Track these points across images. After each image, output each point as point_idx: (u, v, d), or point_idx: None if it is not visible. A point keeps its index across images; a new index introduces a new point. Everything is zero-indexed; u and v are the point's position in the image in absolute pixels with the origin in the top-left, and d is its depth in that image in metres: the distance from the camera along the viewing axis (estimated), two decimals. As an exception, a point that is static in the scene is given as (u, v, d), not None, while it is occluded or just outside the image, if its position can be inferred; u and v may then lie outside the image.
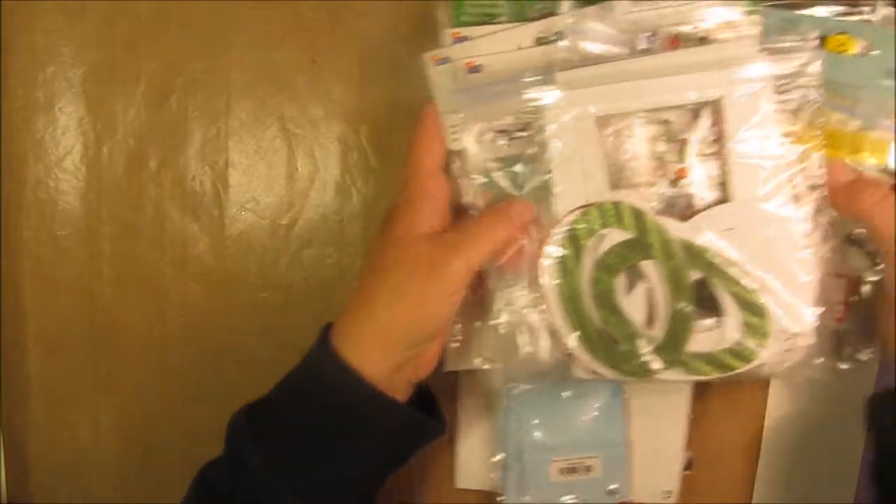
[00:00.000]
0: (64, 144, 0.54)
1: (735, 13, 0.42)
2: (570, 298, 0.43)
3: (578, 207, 0.42)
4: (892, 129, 0.43)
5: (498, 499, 0.52)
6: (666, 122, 0.43)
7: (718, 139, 0.42)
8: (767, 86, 0.41)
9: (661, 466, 0.53)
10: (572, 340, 0.43)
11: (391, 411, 0.43)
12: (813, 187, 0.42)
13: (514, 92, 0.42)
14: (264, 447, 0.42)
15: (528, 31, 0.43)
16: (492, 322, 0.44)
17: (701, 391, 0.52)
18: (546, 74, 0.42)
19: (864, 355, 0.46)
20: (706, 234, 0.41)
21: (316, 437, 0.42)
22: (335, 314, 0.44)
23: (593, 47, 0.42)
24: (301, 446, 0.43)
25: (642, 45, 0.42)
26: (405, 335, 0.42)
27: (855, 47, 0.43)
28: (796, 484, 0.54)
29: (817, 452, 0.55)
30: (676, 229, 0.42)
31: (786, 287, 0.42)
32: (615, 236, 0.42)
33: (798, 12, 0.43)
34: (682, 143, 0.42)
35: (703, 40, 0.42)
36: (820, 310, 0.42)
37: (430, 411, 0.46)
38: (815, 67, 0.41)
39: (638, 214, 0.42)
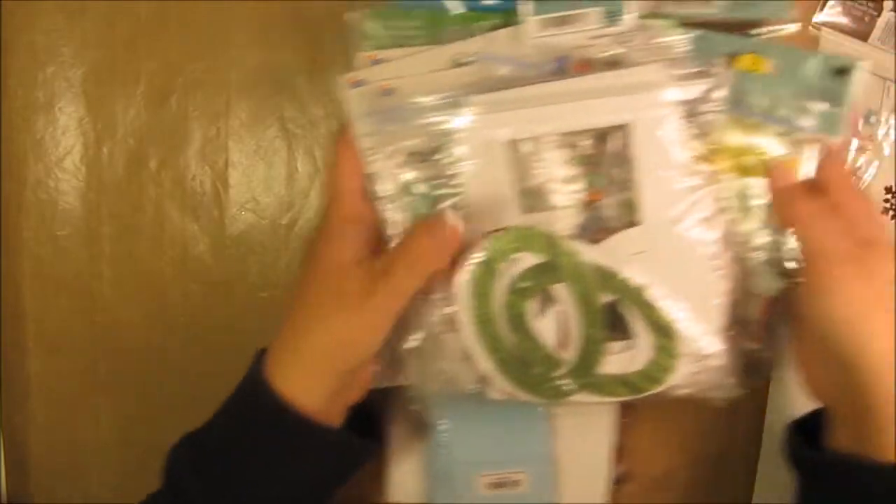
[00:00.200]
0: (64, 144, 0.54)
1: (649, 36, 0.43)
2: (484, 321, 0.43)
3: (491, 231, 0.42)
4: (802, 147, 0.44)
5: (429, 512, 0.52)
6: (577, 145, 0.43)
7: (629, 163, 0.42)
8: (676, 110, 0.41)
9: (589, 481, 0.53)
10: (486, 363, 0.43)
11: (324, 438, 0.43)
12: (722, 209, 0.43)
13: (427, 115, 0.42)
14: (202, 478, 0.42)
15: (442, 54, 0.43)
16: (412, 341, 0.44)
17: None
18: (459, 97, 0.42)
19: (779, 374, 0.46)
20: (617, 258, 0.42)
21: (252, 467, 0.42)
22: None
23: (506, 71, 0.42)
24: (238, 476, 0.43)
25: (553, 69, 0.42)
26: (337, 365, 0.42)
27: (766, 66, 0.44)
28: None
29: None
30: (588, 252, 0.42)
31: (696, 310, 0.42)
32: (527, 260, 0.42)
33: (711, 32, 0.43)
34: (594, 167, 0.43)
35: (612, 65, 0.42)
36: (730, 332, 0.43)
37: (370, 427, 0.46)
38: (723, 91, 0.42)
39: (549, 238, 0.42)
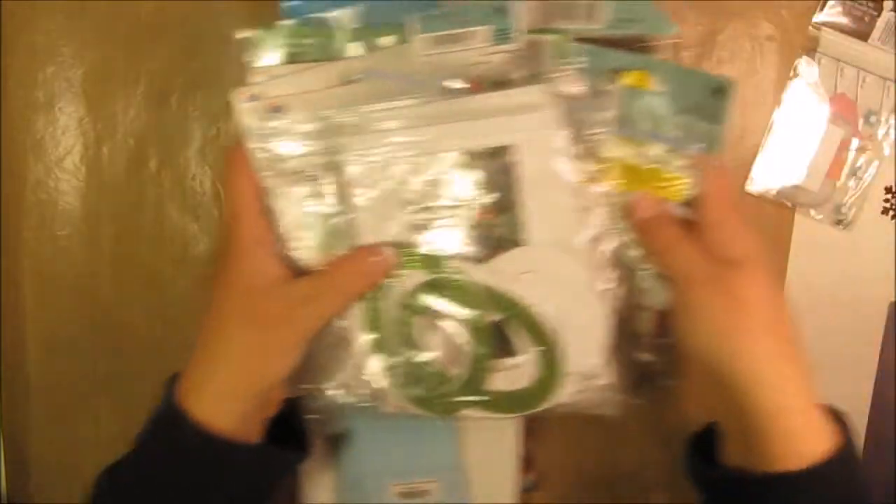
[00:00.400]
0: (64, 144, 0.54)
1: (538, 53, 0.43)
2: (377, 336, 0.43)
3: None
4: (689, 165, 0.44)
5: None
6: (465, 165, 0.43)
7: (516, 183, 0.42)
8: (562, 130, 0.42)
9: (498, 489, 0.54)
10: (379, 377, 0.44)
11: (244, 456, 0.42)
12: (610, 228, 0.44)
13: (317, 132, 0.42)
14: None
15: (332, 71, 0.43)
16: (313, 353, 0.44)
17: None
18: (347, 115, 0.42)
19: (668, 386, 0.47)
20: (504, 277, 0.43)
21: (176, 493, 0.42)
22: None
23: (394, 88, 0.43)
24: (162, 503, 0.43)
25: (442, 88, 0.43)
26: (253, 386, 0.42)
27: (652, 84, 0.44)
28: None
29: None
30: (475, 271, 0.43)
31: (581, 329, 0.43)
32: (417, 277, 0.43)
33: (600, 47, 0.44)
34: (482, 187, 0.43)
35: (500, 84, 0.42)
36: (622, 346, 0.44)
37: (296, 436, 0.46)
38: (609, 111, 0.43)
39: (437, 256, 0.43)
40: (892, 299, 0.55)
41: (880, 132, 0.53)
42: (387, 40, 0.44)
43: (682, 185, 0.44)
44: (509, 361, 0.44)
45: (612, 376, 0.44)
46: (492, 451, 0.54)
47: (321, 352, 0.44)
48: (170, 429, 0.43)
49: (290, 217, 0.43)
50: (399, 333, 0.43)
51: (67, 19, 0.53)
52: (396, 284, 0.43)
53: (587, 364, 0.44)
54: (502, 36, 0.42)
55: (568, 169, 0.42)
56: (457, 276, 0.43)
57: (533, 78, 0.42)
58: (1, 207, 0.55)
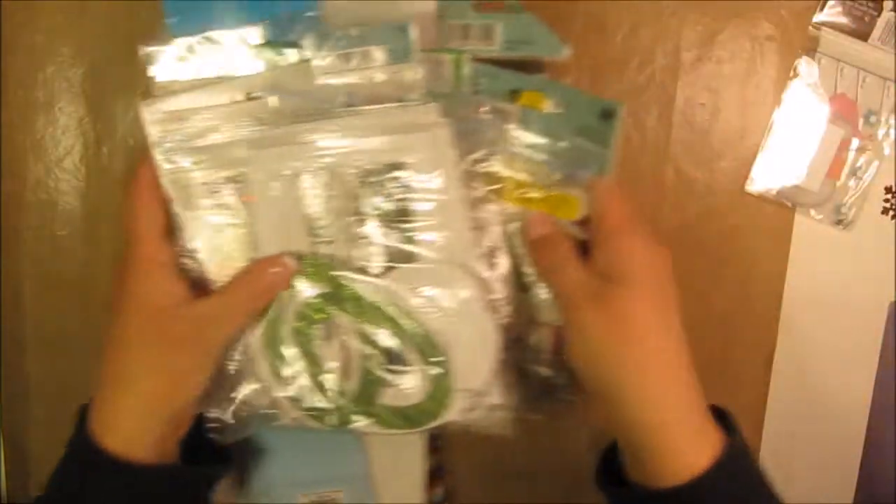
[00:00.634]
0: (64, 144, 0.54)
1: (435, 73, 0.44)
2: (273, 348, 0.44)
3: None
4: (583, 185, 0.45)
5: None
6: (359, 181, 0.43)
7: (410, 200, 0.43)
8: (455, 148, 0.42)
9: (406, 501, 0.54)
10: (276, 389, 0.44)
11: (167, 480, 0.42)
12: (503, 246, 0.44)
13: (216, 148, 0.43)
14: None
15: (233, 87, 0.44)
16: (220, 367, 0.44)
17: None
18: (249, 130, 0.43)
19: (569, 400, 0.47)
20: (396, 293, 0.43)
21: None
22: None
23: (293, 105, 0.43)
24: None
25: (339, 106, 0.43)
26: (165, 409, 0.42)
27: (547, 105, 0.45)
28: (797, 482, 0.54)
29: (818, 452, 0.55)
30: (368, 286, 0.43)
31: (472, 347, 0.44)
32: (312, 289, 0.43)
33: (497, 68, 0.45)
34: (377, 202, 0.43)
35: (395, 101, 0.43)
36: (521, 362, 0.45)
37: (211, 449, 0.46)
38: (504, 130, 0.44)
39: (331, 269, 0.43)
40: (892, 299, 0.55)
41: (880, 132, 0.53)
42: (286, 58, 0.44)
43: (574, 204, 0.45)
44: (400, 378, 0.44)
45: (502, 396, 0.45)
46: (398, 463, 0.54)
47: (223, 366, 0.44)
48: (86, 466, 0.42)
49: (192, 230, 0.44)
50: (297, 345, 0.44)
51: (67, 19, 0.53)
52: (295, 294, 0.43)
53: (476, 382, 0.44)
54: (400, 55, 0.43)
55: (461, 187, 0.43)
56: (351, 289, 0.43)
57: (429, 96, 0.43)
58: (1, 207, 0.55)
